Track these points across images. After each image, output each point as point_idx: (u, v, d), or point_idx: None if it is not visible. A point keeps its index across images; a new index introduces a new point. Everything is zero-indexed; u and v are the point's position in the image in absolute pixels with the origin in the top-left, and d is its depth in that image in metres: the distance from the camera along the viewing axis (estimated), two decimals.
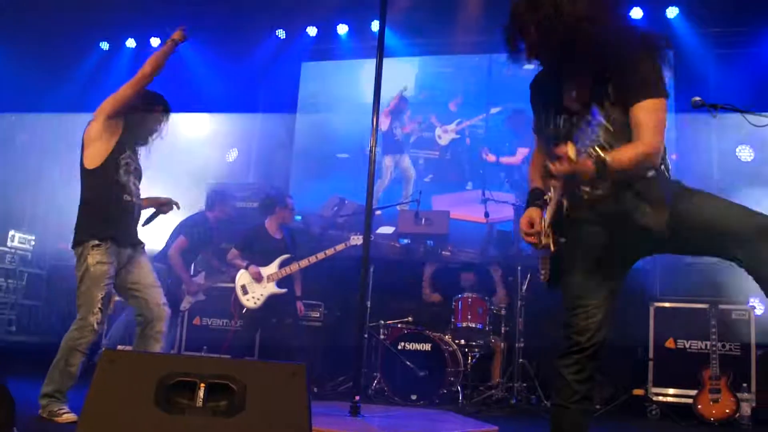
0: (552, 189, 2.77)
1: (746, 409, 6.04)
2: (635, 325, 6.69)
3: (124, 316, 7.41)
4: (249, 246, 7.10)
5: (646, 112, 2.58)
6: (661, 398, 6.46)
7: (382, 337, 7.14)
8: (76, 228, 4.57)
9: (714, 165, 7.79)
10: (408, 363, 6.72)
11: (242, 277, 7.02)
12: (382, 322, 7.23)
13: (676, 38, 8.22)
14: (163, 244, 7.36)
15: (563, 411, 2.81)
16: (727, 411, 5.97)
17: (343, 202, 8.52)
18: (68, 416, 4.29)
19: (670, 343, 6.56)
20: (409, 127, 9.47)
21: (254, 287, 6.96)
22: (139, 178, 4.79)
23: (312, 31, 9.49)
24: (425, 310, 7.81)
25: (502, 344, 7.14)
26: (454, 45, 9.19)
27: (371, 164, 4.81)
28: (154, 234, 5.53)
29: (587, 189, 2.70)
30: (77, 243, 4.50)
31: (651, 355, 6.57)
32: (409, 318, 7.33)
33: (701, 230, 2.66)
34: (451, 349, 6.90)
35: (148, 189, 4.94)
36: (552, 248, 2.75)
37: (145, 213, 4.94)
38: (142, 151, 4.86)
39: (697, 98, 3.11)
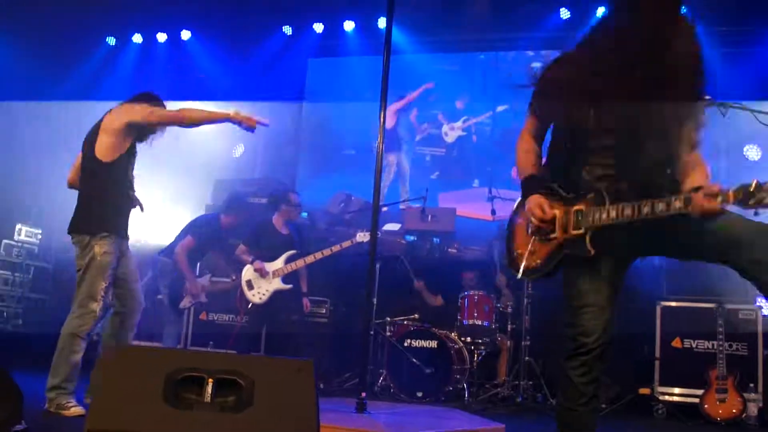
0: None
1: (753, 409, 6.02)
2: (642, 325, 6.68)
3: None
4: (256, 241, 7.09)
5: None
6: (667, 397, 6.45)
7: (388, 334, 7.14)
8: (81, 217, 4.62)
9: (721, 164, 7.76)
10: (414, 360, 6.72)
11: (248, 272, 7.01)
12: (389, 318, 7.23)
13: None
14: (171, 240, 7.37)
15: (571, 413, 2.79)
16: (734, 411, 5.96)
17: (349, 199, 8.51)
18: (76, 409, 4.29)
19: (676, 343, 6.55)
20: (420, 126, 9.47)
21: (260, 282, 6.95)
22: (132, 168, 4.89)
23: (318, 27, 9.49)
24: (431, 308, 7.80)
25: (509, 342, 7.13)
26: (461, 42, 9.18)
27: (378, 161, 4.79)
28: (161, 228, 5.55)
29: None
30: (84, 232, 4.55)
31: (657, 354, 6.56)
32: (416, 315, 7.33)
33: (701, 236, 2.65)
34: (457, 346, 6.89)
35: (155, 183, 4.97)
36: (590, 251, 2.73)
37: None
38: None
39: (707, 97, 3.08)
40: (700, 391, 6.16)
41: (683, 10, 2.86)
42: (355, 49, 9.46)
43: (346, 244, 6.88)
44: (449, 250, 8.17)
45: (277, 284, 6.93)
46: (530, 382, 6.76)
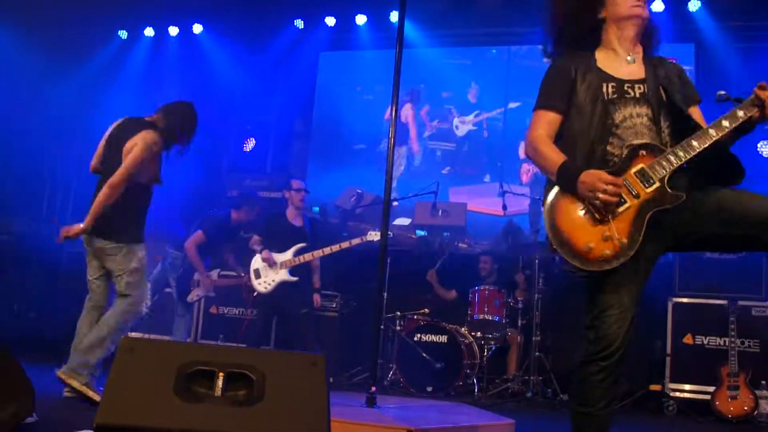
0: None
1: (765, 406, 5.99)
2: (653, 321, 6.66)
3: None
4: (270, 233, 7.12)
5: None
6: (678, 394, 6.43)
7: (398, 328, 7.14)
8: (121, 227, 4.88)
9: None
10: (424, 354, 6.72)
11: (256, 262, 7.05)
12: (399, 313, 7.23)
13: (698, 32, 8.15)
14: (181, 233, 7.41)
15: (588, 418, 2.72)
16: (746, 408, 5.93)
17: (361, 196, 8.52)
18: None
19: (688, 339, 6.52)
20: (431, 123, 9.45)
21: (267, 272, 6.98)
22: None
23: (330, 21, 9.47)
24: (442, 302, 7.79)
25: (519, 337, 7.12)
26: (474, 36, 9.15)
27: (390, 155, 4.79)
28: (172, 222, 5.60)
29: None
30: (126, 241, 4.89)
31: (669, 350, 6.54)
32: (426, 309, 7.33)
33: (735, 222, 2.62)
34: (467, 341, 6.89)
35: (166, 176, 5.05)
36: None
37: None
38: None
39: (722, 92, 3.06)
40: (711, 388, 6.13)
41: None
42: (367, 43, 9.44)
43: (356, 241, 6.88)
44: (459, 244, 8.16)
45: (283, 275, 6.94)
46: (540, 378, 6.76)
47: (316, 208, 8.02)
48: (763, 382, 6.10)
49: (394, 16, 8.92)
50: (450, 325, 6.93)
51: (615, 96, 2.81)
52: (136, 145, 4.81)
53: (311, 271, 7.13)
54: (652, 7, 8.13)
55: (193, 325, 7.63)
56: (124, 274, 4.86)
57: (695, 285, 6.71)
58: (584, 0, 2.93)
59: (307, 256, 6.94)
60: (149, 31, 10.00)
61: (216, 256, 7.63)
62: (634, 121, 2.78)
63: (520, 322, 7.18)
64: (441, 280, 7.87)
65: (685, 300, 6.66)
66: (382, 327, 6.73)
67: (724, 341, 6.29)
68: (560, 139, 2.87)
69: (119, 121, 5.09)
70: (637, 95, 2.82)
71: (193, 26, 9.80)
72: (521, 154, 8.64)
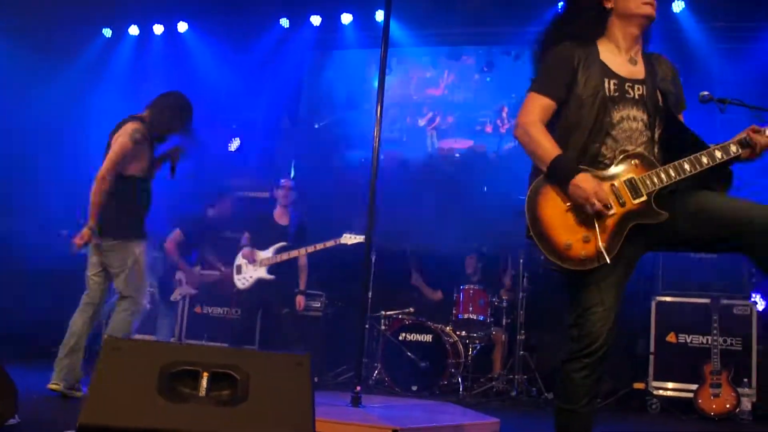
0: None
1: (746, 404, 6.05)
2: (637, 319, 6.70)
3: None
4: (256, 232, 7.14)
5: None
6: (661, 392, 6.46)
7: (383, 327, 7.15)
8: (118, 224, 4.88)
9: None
10: (409, 354, 6.73)
11: (239, 258, 7.06)
12: (384, 312, 7.23)
13: (681, 32, 8.19)
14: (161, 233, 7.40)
15: (571, 415, 2.74)
16: (728, 406, 5.97)
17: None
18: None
19: (671, 338, 6.56)
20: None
21: (247, 268, 6.99)
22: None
23: (316, 20, 9.45)
24: (427, 302, 7.81)
25: (503, 336, 7.15)
26: (459, 36, 9.16)
27: (374, 155, 4.79)
28: (156, 221, 5.58)
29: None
30: (121, 237, 4.88)
31: (652, 349, 6.57)
32: (411, 309, 7.34)
33: (711, 220, 2.66)
34: (452, 340, 6.91)
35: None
36: (662, 214, 2.69)
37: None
38: None
39: (705, 93, 3.09)
40: (694, 386, 6.17)
41: None
42: (353, 42, 9.44)
43: (329, 243, 6.85)
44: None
45: (261, 273, 6.93)
46: (525, 376, 6.79)
47: None
48: (745, 379, 6.15)
49: (379, 16, 8.92)
50: (435, 325, 6.94)
51: (616, 94, 2.80)
52: (119, 136, 4.85)
53: (299, 272, 7.11)
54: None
55: (177, 324, 7.61)
56: (121, 271, 4.85)
57: (678, 284, 6.75)
58: None
59: (284, 256, 6.93)
60: (134, 30, 9.93)
61: (196, 253, 7.62)
62: (630, 124, 2.78)
63: (504, 321, 7.20)
64: (426, 280, 7.90)
65: (668, 299, 6.70)
66: (367, 326, 6.75)
67: (707, 339, 6.33)
68: (551, 127, 2.83)
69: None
70: (636, 97, 2.81)
71: (178, 24, 9.75)
72: None
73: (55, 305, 8.44)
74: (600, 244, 2.64)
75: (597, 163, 2.76)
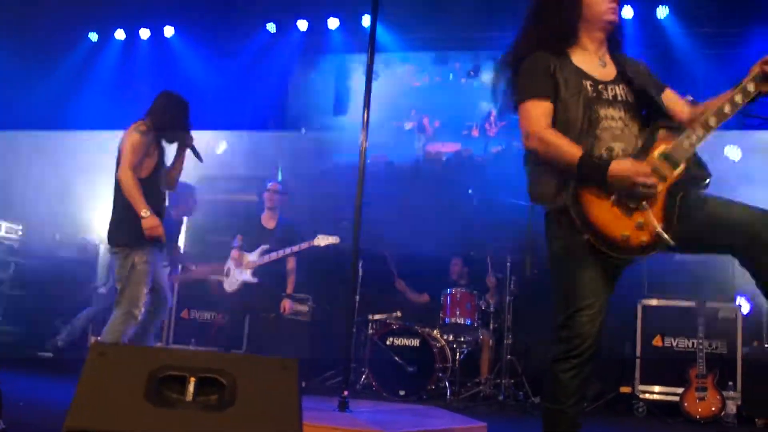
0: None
1: (732, 407, 6.08)
2: (623, 323, 6.72)
3: (91, 311, 7.44)
4: (245, 235, 7.16)
5: None
6: (647, 396, 6.49)
7: (370, 332, 7.14)
8: (119, 230, 4.81)
9: None
10: (396, 358, 6.73)
11: (229, 261, 7.08)
12: (371, 316, 7.23)
13: (666, 38, 8.24)
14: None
15: (559, 415, 2.77)
16: (713, 409, 6.00)
17: None
18: None
19: (657, 341, 6.59)
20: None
21: (234, 272, 7.00)
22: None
23: (303, 25, 9.46)
24: (414, 306, 7.81)
25: (491, 340, 7.15)
26: (446, 41, 9.19)
27: (361, 158, 4.79)
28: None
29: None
30: (123, 244, 4.77)
31: (638, 352, 6.60)
32: (398, 313, 7.33)
33: (705, 224, 2.69)
34: (439, 345, 6.91)
35: None
36: (708, 175, 2.71)
37: None
38: None
39: (689, 97, 3.11)
40: (680, 390, 6.20)
41: None
42: (340, 46, 9.45)
43: (304, 245, 6.84)
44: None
45: (246, 276, 6.94)
46: (512, 381, 6.79)
47: None
48: (731, 383, 6.19)
49: (366, 20, 8.93)
50: (422, 329, 6.94)
51: (594, 95, 2.82)
52: (125, 138, 4.81)
53: (287, 276, 7.09)
54: (621, 13, 8.21)
55: (164, 329, 7.57)
56: (120, 280, 4.75)
57: (664, 287, 6.79)
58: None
59: (265, 258, 6.93)
60: (120, 34, 9.92)
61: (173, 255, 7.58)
62: (610, 123, 2.80)
63: (492, 325, 7.21)
64: (410, 284, 7.90)
65: (654, 302, 6.73)
66: (354, 331, 6.74)
67: (693, 343, 6.36)
68: None
69: None
70: (611, 97, 2.83)
71: (165, 29, 9.73)
72: None
73: (44, 309, 8.45)
74: (655, 225, 2.63)
75: None
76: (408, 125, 9.49)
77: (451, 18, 8.67)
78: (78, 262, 8.52)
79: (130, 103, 8.97)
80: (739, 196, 2.80)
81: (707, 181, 2.71)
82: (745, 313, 6.66)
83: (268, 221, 7.15)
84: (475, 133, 9.17)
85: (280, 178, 8.93)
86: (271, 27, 9.52)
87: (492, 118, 9.05)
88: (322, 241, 6.73)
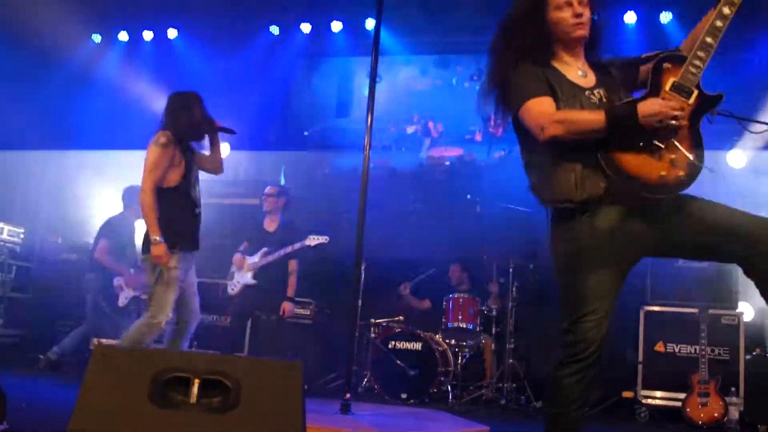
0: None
1: (734, 413, 6.06)
2: (626, 328, 6.70)
3: (82, 328, 7.46)
4: (250, 239, 7.18)
5: None
6: (650, 401, 6.48)
7: (373, 335, 7.14)
8: (146, 239, 4.72)
9: (705, 171, 7.80)
10: (399, 362, 6.72)
11: (232, 266, 7.15)
12: (373, 320, 7.23)
13: (669, 43, 8.22)
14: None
15: (562, 419, 2.77)
16: (716, 415, 5.99)
17: None
18: None
19: (659, 347, 6.58)
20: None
21: (237, 275, 7.03)
22: (198, 181, 5.03)
23: (306, 27, 9.46)
24: (416, 310, 7.81)
25: (493, 345, 7.15)
26: (449, 45, 9.19)
27: (365, 161, 4.80)
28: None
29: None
30: (148, 251, 4.69)
31: (641, 358, 6.59)
32: (400, 317, 7.33)
33: (712, 231, 2.70)
34: (441, 348, 6.90)
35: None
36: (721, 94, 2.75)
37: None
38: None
39: None
40: (682, 395, 6.19)
41: None
42: (343, 49, 9.45)
43: (297, 246, 6.87)
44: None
45: (247, 279, 6.98)
46: (514, 385, 6.79)
47: None
48: (733, 389, 6.17)
49: (369, 24, 8.94)
50: (424, 333, 6.94)
51: (585, 101, 2.83)
52: (148, 150, 4.76)
53: (288, 279, 7.09)
54: (624, 18, 8.22)
55: (166, 332, 7.57)
56: (150, 287, 4.72)
57: (667, 293, 6.77)
58: (529, 18, 2.93)
59: (263, 260, 6.95)
60: (123, 36, 9.92)
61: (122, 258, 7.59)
62: None
63: (494, 330, 7.20)
64: (412, 290, 7.92)
65: (656, 308, 6.72)
66: (356, 334, 6.74)
67: (695, 349, 6.35)
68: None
69: None
70: (598, 102, 2.84)
71: (168, 31, 9.74)
72: None
73: (46, 312, 8.45)
74: (688, 156, 2.67)
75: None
76: (410, 129, 9.49)
77: (454, 22, 8.67)
78: (79, 265, 8.51)
79: (133, 105, 8.99)
80: (741, 205, 2.81)
81: (721, 99, 2.74)
82: (747, 319, 6.64)
83: (270, 225, 7.17)
84: (478, 137, 9.16)
85: (282, 181, 8.94)
86: (274, 30, 9.51)
87: (495, 122, 9.04)
88: (313, 241, 6.82)
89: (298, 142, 9.81)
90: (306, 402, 2.50)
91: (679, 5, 8.14)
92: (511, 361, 6.81)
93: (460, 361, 6.97)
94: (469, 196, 7.62)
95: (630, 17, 8.20)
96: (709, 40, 2.72)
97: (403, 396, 6.64)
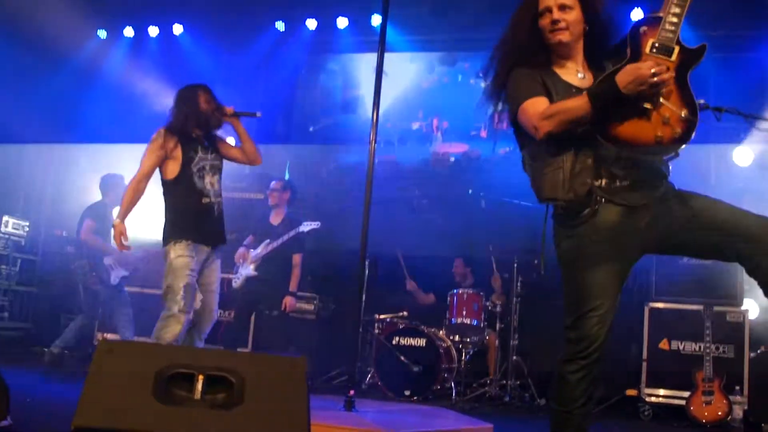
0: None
1: (738, 411, 6.05)
2: (630, 326, 6.70)
3: (79, 319, 7.46)
4: (256, 233, 7.21)
5: None
6: (653, 399, 6.47)
7: (376, 331, 7.14)
8: (164, 229, 4.83)
9: (711, 168, 7.79)
10: (402, 358, 6.72)
11: (236, 259, 7.17)
12: (377, 316, 7.23)
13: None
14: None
15: (566, 416, 2.77)
16: (720, 413, 5.98)
17: None
18: None
19: (664, 344, 6.57)
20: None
21: (241, 268, 7.07)
22: (217, 171, 5.01)
23: (312, 23, 9.45)
24: (420, 306, 7.81)
25: (497, 341, 7.14)
26: (455, 42, 9.17)
27: (371, 157, 4.79)
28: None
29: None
30: (164, 243, 4.77)
31: (645, 355, 6.58)
32: (404, 312, 7.33)
33: (715, 229, 2.69)
34: (445, 345, 6.90)
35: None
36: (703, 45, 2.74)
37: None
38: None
39: (701, 101, 3.10)
40: (686, 393, 6.18)
41: None
42: (349, 46, 9.43)
43: (292, 233, 6.92)
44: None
45: (250, 271, 7.01)
46: (518, 382, 6.79)
47: None
48: (737, 387, 6.16)
49: (375, 20, 8.93)
50: (428, 329, 6.94)
51: None
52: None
53: (291, 274, 7.10)
54: (631, 15, 8.20)
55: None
56: (163, 279, 4.72)
57: (671, 290, 6.76)
58: (523, 26, 2.96)
59: (264, 251, 6.97)
60: (129, 31, 9.92)
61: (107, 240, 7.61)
62: None
63: (498, 326, 7.20)
64: (419, 284, 7.91)
65: (661, 305, 6.71)
66: (360, 330, 6.74)
67: (700, 347, 6.34)
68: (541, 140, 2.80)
69: None
70: None
71: (174, 27, 9.73)
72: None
73: (50, 305, 8.48)
74: (680, 112, 2.66)
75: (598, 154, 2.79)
76: (415, 125, 9.48)
77: (460, 18, 8.65)
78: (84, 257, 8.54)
79: (138, 101, 8.99)
80: (747, 203, 2.82)
81: (705, 50, 2.74)
82: (752, 317, 6.63)
83: (275, 219, 7.20)
84: (483, 134, 9.15)
85: (287, 176, 8.94)
86: (280, 26, 9.50)
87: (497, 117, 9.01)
88: (306, 227, 6.90)
89: (303, 138, 9.82)
90: (310, 398, 2.50)
91: None
92: (515, 357, 6.80)
93: (463, 357, 6.98)
94: (470, 191, 7.60)
95: (637, 15, 8.16)
96: None
97: (407, 393, 6.64)
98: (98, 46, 9.96)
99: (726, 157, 7.68)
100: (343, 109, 9.73)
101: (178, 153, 4.82)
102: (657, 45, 2.72)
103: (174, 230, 4.75)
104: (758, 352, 6.45)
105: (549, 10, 2.89)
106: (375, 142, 4.76)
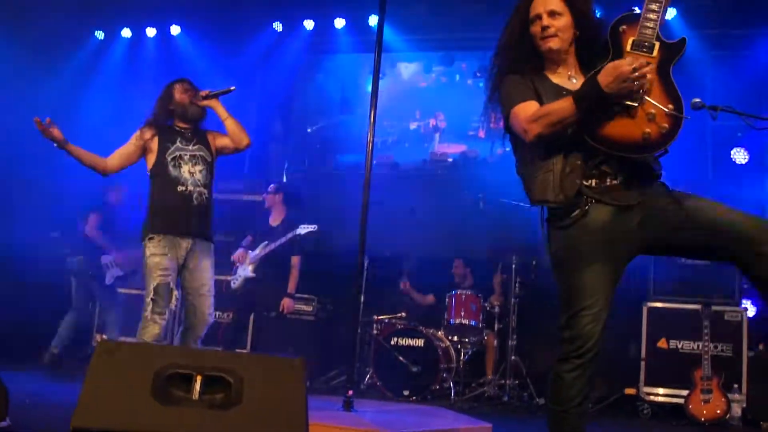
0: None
1: (737, 409, 6.07)
2: (628, 325, 6.70)
3: (70, 316, 7.47)
4: (253, 234, 7.24)
5: None
6: (652, 398, 6.48)
7: (375, 332, 7.14)
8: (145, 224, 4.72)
9: (708, 167, 7.80)
10: (401, 358, 6.73)
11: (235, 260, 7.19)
12: (375, 317, 7.23)
13: (675, 39, 8.19)
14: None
15: (563, 416, 2.77)
16: (718, 411, 5.99)
17: None
18: None
19: (662, 343, 6.57)
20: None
21: (240, 269, 7.08)
22: (199, 161, 4.79)
23: (309, 24, 9.45)
24: (419, 306, 7.81)
25: (495, 341, 7.15)
26: (452, 41, 9.17)
27: (368, 159, 4.79)
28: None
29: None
30: (141, 240, 4.65)
31: (643, 354, 6.58)
32: (403, 313, 7.34)
33: (708, 230, 2.69)
34: (444, 345, 6.90)
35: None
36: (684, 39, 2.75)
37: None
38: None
39: (697, 100, 3.11)
40: (685, 392, 6.19)
41: None
42: (346, 46, 9.44)
43: (290, 235, 6.94)
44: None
45: (247, 272, 7.03)
46: (516, 382, 6.80)
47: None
48: (735, 385, 6.17)
49: (372, 20, 8.93)
50: (427, 329, 6.94)
51: None
52: None
53: (289, 276, 7.11)
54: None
55: (168, 328, 7.57)
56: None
57: (669, 290, 6.77)
58: (516, 34, 2.99)
59: (262, 252, 6.98)
60: (126, 32, 9.92)
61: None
62: None
63: (496, 327, 7.20)
64: (415, 285, 7.90)
65: (659, 304, 6.71)
66: (359, 330, 6.75)
67: (698, 345, 6.35)
68: (535, 145, 2.82)
69: None
70: None
71: (171, 27, 9.73)
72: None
73: (46, 307, 8.44)
74: (664, 108, 2.68)
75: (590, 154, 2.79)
76: (413, 125, 9.48)
77: (457, 18, 8.66)
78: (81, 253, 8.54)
79: (136, 101, 8.97)
80: (745, 202, 2.82)
81: (685, 43, 2.76)
82: (750, 316, 6.63)
83: (274, 220, 7.22)
84: (481, 134, 9.15)
85: (285, 178, 8.95)
86: (277, 26, 9.50)
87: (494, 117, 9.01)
88: (303, 230, 6.90)
89: (301, 139, 9.82)
90: (309, 399, 2.50)
91: (684, 0, 8.12)
92: (513, 357, 6.81)
93: (462, 357, 6.98)
94: (465, 191, 7.61)
95: None
96: None
97: (406, 393, 6.65)
98: (96, 47, 9.96)
99: (723, 156, 7.69)
100: (341, 110, 9.73)
101: (155, 144, 4.76)
102: (636, 42, 2.74)
103: (148, 224, 4.62)
104: (756, 350, 6.47)
105: (539, 17, 2.91)
106: (373, 143, 4.76)
